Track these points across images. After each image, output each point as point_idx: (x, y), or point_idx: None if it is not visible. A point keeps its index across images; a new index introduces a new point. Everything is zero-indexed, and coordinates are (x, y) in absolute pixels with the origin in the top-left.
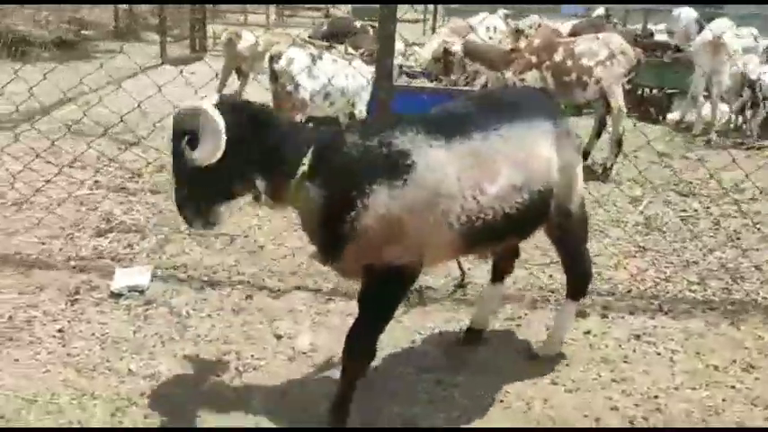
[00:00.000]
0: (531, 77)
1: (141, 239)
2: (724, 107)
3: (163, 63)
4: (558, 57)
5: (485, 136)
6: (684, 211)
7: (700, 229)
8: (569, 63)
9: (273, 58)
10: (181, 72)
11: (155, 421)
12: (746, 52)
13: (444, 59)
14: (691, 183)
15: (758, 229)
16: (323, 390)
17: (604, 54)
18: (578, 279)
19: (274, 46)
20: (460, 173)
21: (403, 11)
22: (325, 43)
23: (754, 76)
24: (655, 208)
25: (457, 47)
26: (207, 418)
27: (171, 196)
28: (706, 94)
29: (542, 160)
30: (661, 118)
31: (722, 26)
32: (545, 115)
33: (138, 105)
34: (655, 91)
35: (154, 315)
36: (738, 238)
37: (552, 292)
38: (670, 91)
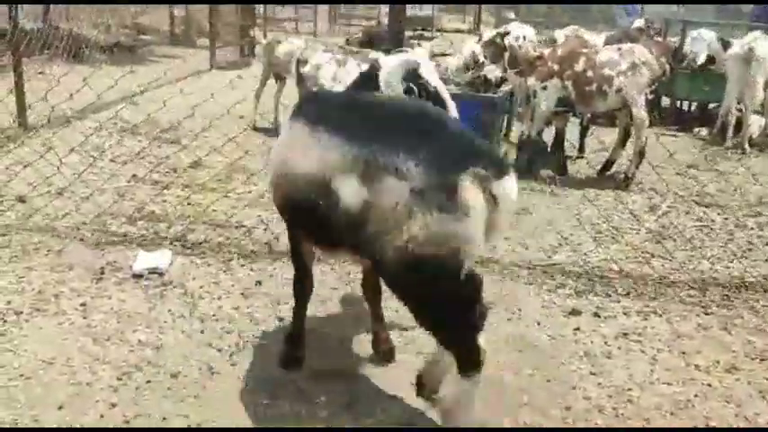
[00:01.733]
0: (553, 86)
1: (167, 228)
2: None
3: (212, 68)
4: (579, 66)
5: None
6: (700, 220)
7: (712, 238)
8: (590, 73)
9: (300, 63)
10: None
11: (156, 385)
12: None
13: (495, 42)
14: (713, 194)
15: None
16: (308, 366)
17: (626, 64)
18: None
19: (302, 51)
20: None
21: (446, 19)
22: (355, 49)
23: None
24: (672, 217)
25: (510, 38)
26: (200, 383)
27: (201, 190)
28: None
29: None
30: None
31: (754, 38)
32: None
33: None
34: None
35: (169, 295)
36: (750, 249)
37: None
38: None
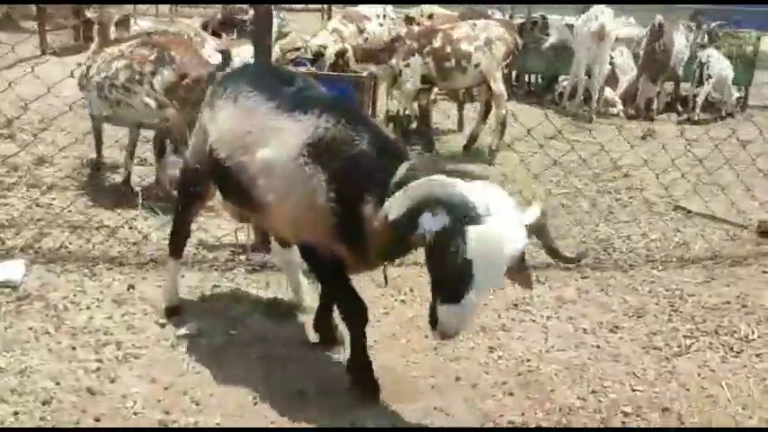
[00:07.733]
0: (414, 63)
1: (15, 234)
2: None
3: (43, 53)
4: (437, 42)
5: None
6: (565, 188)
7: (578, 205)
8: (448, 48)
9: None
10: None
11: (25, 417)
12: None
13: (337, 62)
14: (573, 163)
15: (630, 202)
16: (202, 374)
17: (482, 40)
18: None
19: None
20: None
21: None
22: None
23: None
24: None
25: (348, 50)
26: (78, 407)
27: (50, 189)
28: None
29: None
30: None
31: (604, 15)
32: None
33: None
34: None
35: (28, 310)
36: (612, 212)
37: None
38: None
